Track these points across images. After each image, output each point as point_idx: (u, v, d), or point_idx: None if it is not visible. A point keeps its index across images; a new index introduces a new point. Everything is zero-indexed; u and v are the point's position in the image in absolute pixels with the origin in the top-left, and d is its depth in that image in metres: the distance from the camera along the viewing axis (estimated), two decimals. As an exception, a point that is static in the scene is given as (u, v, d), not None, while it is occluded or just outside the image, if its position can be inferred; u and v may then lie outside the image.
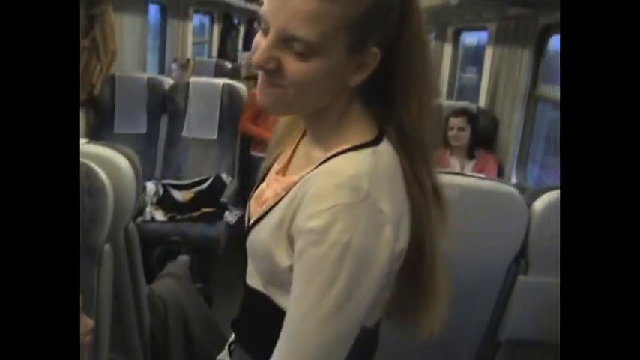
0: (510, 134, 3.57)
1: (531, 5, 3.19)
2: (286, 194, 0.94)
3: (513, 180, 3.55)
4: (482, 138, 3.67)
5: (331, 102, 0.93)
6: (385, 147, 0.91)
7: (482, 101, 4.18)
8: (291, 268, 0.89)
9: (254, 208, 1.04)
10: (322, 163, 0.91)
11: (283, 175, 1.04)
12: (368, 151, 0.90)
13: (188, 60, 5.41)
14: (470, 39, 5.89)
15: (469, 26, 5.31)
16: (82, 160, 1.59)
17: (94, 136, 3.76)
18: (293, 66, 0.86)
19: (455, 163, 3.54)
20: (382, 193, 0.86)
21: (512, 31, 3.65)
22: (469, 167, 3.49)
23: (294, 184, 0.94)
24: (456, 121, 3.51)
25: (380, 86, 0.93)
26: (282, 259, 0.91)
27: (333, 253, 0.82)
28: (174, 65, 5.16)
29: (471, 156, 3.55)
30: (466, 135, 3.52)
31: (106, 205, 1.63)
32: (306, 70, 0.85)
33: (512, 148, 3.57)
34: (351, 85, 0.91)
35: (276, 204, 0.95)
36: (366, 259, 0.84)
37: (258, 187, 1.09)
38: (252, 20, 9.60)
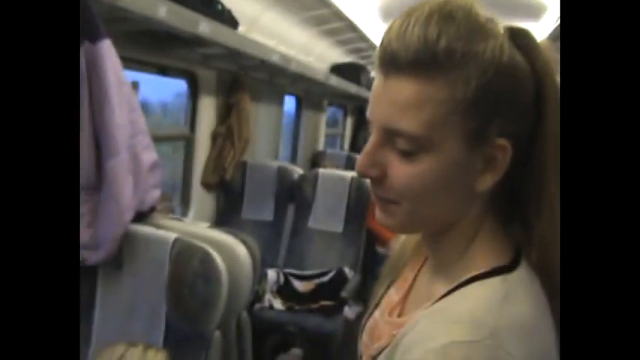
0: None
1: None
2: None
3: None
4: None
5: (461, 215, 0.77)
6: (521, 274, 0.73)
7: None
8: None
9: (366, 342, 0.90)
10: (442, 297, 0.74)
11: (401, 310, 0.88)
12: (497, 279, 0.72)
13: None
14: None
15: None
16: (199, 243, 1.59)
17: (222, 220, 3.86)
18: (399, 171, 0.72)
19: None
20: (512, 333, 0.66)
21: None
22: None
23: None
24: None
25: (513, 194, 0.76)
26: None
27: None
28: None
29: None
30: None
31: (220, 292, 1.61)
32: (414, 174, 0.71)
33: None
34: (480, 189, 0.73)
35: (388, 345, 0.79)
36: None
37: (371, 315, 0.94)
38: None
